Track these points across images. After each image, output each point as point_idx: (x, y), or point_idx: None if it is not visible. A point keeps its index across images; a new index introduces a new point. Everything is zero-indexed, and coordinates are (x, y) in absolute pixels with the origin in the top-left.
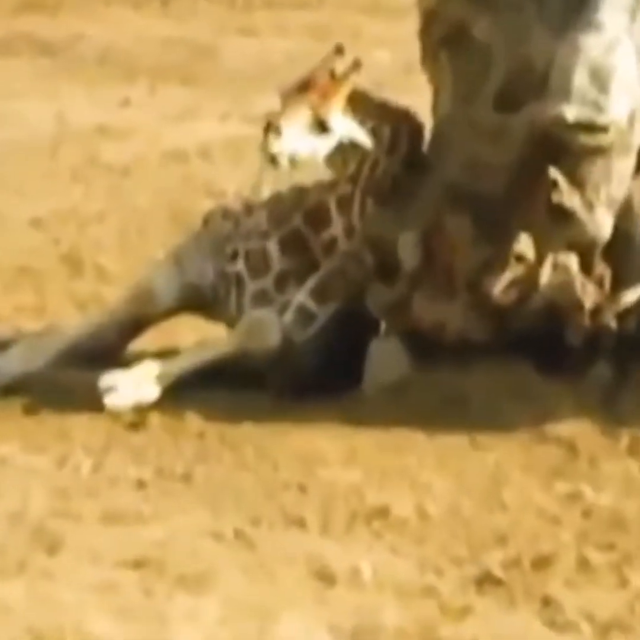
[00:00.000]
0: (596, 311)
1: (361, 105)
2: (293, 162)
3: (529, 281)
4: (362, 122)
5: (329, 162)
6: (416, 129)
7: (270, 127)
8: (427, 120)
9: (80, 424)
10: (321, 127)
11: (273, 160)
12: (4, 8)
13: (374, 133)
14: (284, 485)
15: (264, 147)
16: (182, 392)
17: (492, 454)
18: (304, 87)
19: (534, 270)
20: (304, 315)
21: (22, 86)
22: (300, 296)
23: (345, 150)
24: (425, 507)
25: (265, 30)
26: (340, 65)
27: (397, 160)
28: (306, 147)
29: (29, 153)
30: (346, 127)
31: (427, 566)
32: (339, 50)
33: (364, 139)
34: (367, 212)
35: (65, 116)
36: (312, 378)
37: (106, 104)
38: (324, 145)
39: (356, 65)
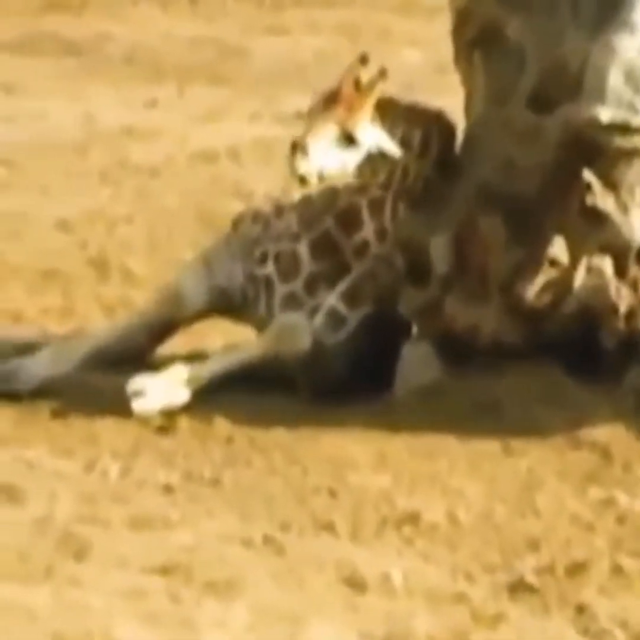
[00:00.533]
0: (630, 314)
1: (389, 111)
2: (322, 178)
3: (562, 284)
4: (391, 129)
5: (359, 173)
6: (448, 130)
7: (297, 147)
8: (459, 121)
9: (108, 428)
10: (349, 140)
11: (302, 180)
12: (30, 7)
13: (404, 139)
14: (313, 490)
15: (292, 167)
16: (211, 396)
17: (525, 460)
18: (330, 101)
19: (567, 274)
20: (335, 319)
21: (48, 86)
22: (331, 299)
23: (374, 161)
24: (456, 512)
25: (295, 29)
26: (366, 74)
27: (429, 163)
28: (334, 163)
29: (55, 154)
30: (374, 138)
31: (458, 572)
32: (364, 59)
33: (392, 147)
34: (399, 215)
35: (92, 117)
36: (342, 382)
37: (133, 104)
38: (353, 158)
39: (382, 73)
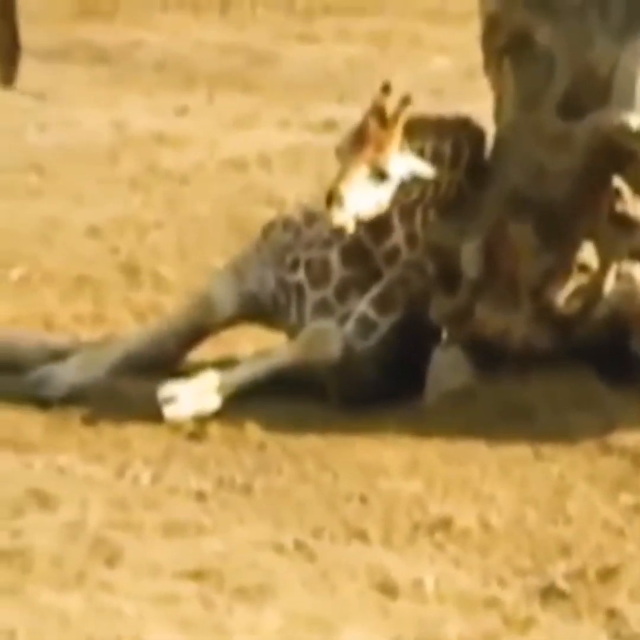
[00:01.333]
0: None
1: (417, 129)
2: (359, 222)
3: (592, 290)
4: (421, 146)
5: (394, 203)
6: (477, 136)
7: (333, 198)
8: (489, 127)
9: (139, 434)
10: (381, 176)
11: (340, 230)
12: (61, 15)
13: (436, 152)
14: (345, 497)
15: (329, 218)
16: (242, 402)
17: (556, 465)
18: (358, 140)
19: (597, 279)
20: (366, 325)
21: (80, 93)
22: (362, 306)
23: (406, 186)
24: (488, 518)
25: (325, 36)
26: (390, 103)
27: (461, 170)
28: (369, 204)
29: (86, 160)
30: (405, 166)
31: (490, 578)
32: (386, 89)
33: (424, 168)
34: (429, 221)
35: (124, 124)
36: (373, 388)
37: (164, 111)
38: (386, 192)
39: (405, 101)
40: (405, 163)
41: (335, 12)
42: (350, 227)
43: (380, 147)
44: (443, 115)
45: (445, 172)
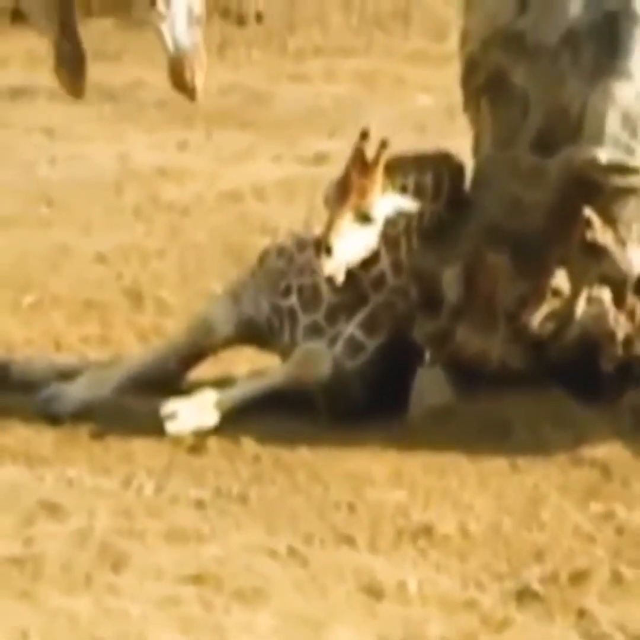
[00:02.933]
0: (628, 341)
1: (399, 168)
2: (348, 268)
3: (565, 313)
4: (403, 183)
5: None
6: (457, 169)
7: (321, 248)
8: (468, 162)
9: (143, 448)
10: (366, 219)
11: (330, 280)
12: None
13: (418, 186)
14: (334, 505)
15: (319, 268)
16: (238, 418)
17: (531, 476)
18: (343, 190)
19: (569, 303)
20: (354, 346)
21: (88, 130)
22: (350, 328)
23: (392, 221)
24: (467, 525)
25: (315, 76)
26: (370, 148)
27: (442, 201)
28: (358, 248)
29: (94, 192)
30: (389, 206)
31: (469, 581)
32: (365, 135)
33: (407, 204)
34: (413, 249)
35: (128, 158)
36: (360, 405)
37: (166, 146)
38: (373, 234)
39: (383, 145)
40: (389, 203)
41: (325, 53)
42: (341, 276)
43: (363, 193)
44: (423, 151)
45: (427, 203)
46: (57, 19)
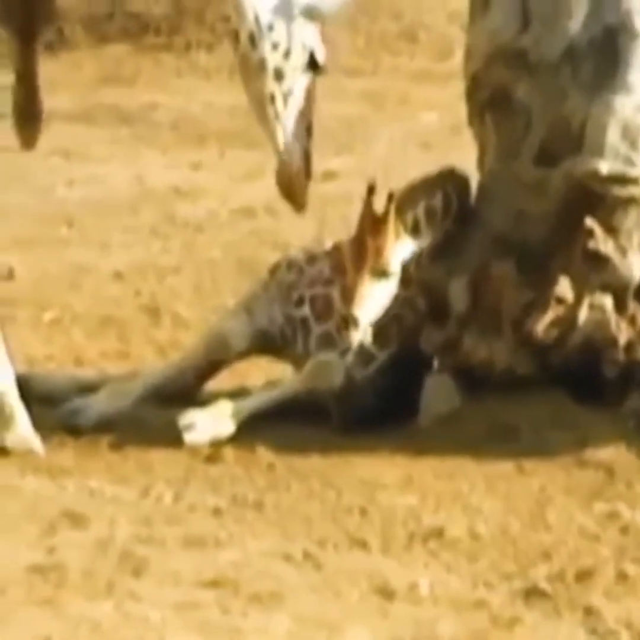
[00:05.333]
0: (630, 346)
1: (408, 202)
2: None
3: (568, 320)
4: (415, 217)
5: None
6: (462, 184)
7: (349, 323)
8: (473, 175)
9: (161, 458)
10: (385, 274)
11: (360, 344)
12: (86, 82)
13: (428, 212)
14: (347, 510)
15: (347, 341)
16: (254, 427)
17: (537, 479)
18: (358, 254)
19: (572, 311)
20: (365, 356)
21: (104, 152)
22: (362, 339)
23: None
24: (476, 527)
25: (323, 96)
26: (378, 202)
27: (451, 218)
28: (380, 305)
29: (111, 212)
30: (405, 251)
31: (479, 581)
32: (371, 190)
33: (421, 242)
34: (421, 261)
35: (143, 178)
36: (372, 413)
37: (180, 166)
38: (392, 285)
39: (390, 198)
40: (404, 250)
41: (333, 73)
42: (368, 343)
43: (380, 254)
44: (429, 173)
45: (438, 226)
46: (15, 68)
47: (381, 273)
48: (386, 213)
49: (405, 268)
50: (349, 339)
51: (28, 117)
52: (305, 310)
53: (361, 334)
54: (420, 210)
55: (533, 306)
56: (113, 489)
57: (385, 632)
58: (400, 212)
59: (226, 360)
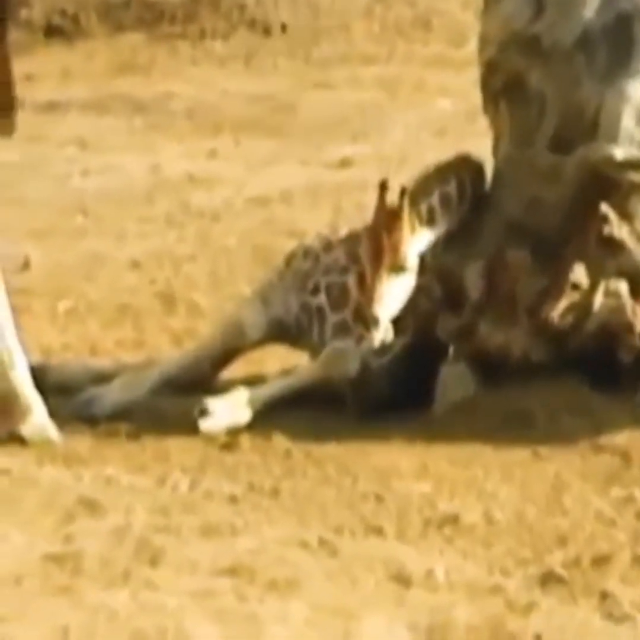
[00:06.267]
0: None
1: (422, 191)
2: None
3: (583, 306)
4: (430, 205)
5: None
6: (477, 171)
7: (370, 322)
8: (488, 162)
9: (178, 446)
10: (402, 269)
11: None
12: (101, 71)
13: (443, 199)
14: (363, 497)
15: (370, 341)
16: (270, 415)
17: (553, 464)
18: (375, 253)
19: (588, 296)
20: (380, 345)
21: (120, 141)
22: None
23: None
24: (492, 513)
25: (339, 83)
26: (391, 196)
27: (466, 205)
28: (399, 301)
29: (127, 201)
30: (421, 244)
31: (494, 567)
32: (384, 186)
33: (436, 232)
34: (436, 248)
35: (159, 167)
36: (387, 400)
37: (195, 155)
38: (410, 279)
39: (403, 193)
40: (420, 243)
41: (348, 61)
42: (388, 335)
43: (396, 249)
44: (443, 160)
45: (454, 213)
46: None
47: (399, 269)
48: (400, 208)
49: (421, 257)
50: (371, 338)
51: (2, 106)
52: (321, 298)
53: (382, 332)
54: (435, 198)
55: (548, 293)
56: (129, 477)
57: (402, 618)
58: (414, 202)
59: (242, 349)
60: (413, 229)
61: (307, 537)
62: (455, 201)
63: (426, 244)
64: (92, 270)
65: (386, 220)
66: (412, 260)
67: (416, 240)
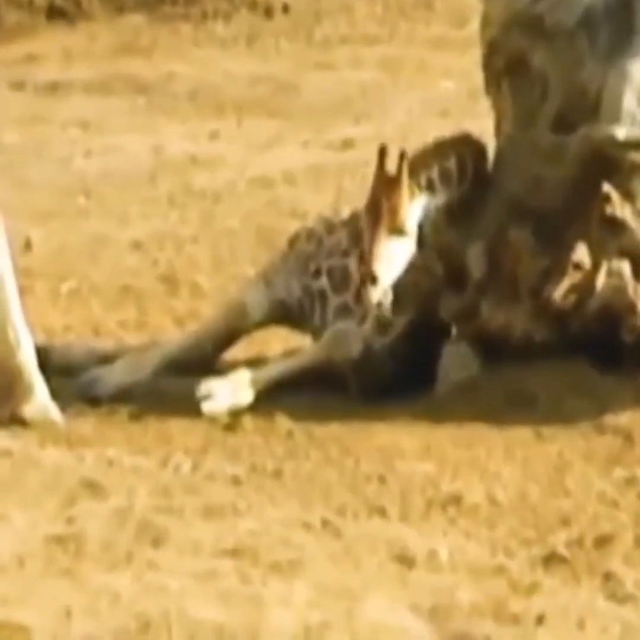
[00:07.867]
0: None
1: (422, 163)
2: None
3: (586, 286)
4: (429, 177)
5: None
6: (478, 150)
7: (367, 279)
8: (490, 142)
9: (180, 427)
10: (402, 233)
11: (379, 305)
12: (103, 52)
13: (442, 174)
14: (366, 478)
15: (367, 299)
16: (272, 396)
17: (555, 445)
18: (374, 215)
19: (590, 276)
20: (382, 325)
21: (122, 122)
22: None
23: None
24: (495, 494)
25: (341, 64)
26: (390, 163)
27: (467, 182)
28: (399, 265)
29: (129, 182)
30: (420, 210)
31: (498, 548)
32: (383, 151)
33: (436, 200)
34: (438, 227)
35: (161, 148)
36: (390, 381)
37: (198, 136)
38: (409, 244)
39: (402, 157)
40: (419, 208)
41: (350, 41)
42: (387, 302)
43: (395, 213)
44: (444, 137)
45: (454, 188)
46: None
47: (398, 231)
48: (399, 172)
49: (421, 230)
50: (369, 298)
51: None
52: (323, 281)
53: (381, 294)
54: (434, 172)
55: (550, 272)
56: (132, 459)
57: (405, 599)
58: (413, 173)
59: (244, 330)
60: (412, 195)
61: (310, 518)
62: (456, 177)
63: (425, 211)
64: (94, 252)
65: (385, 185)
66: (411, 225)
67: (415, 206)
